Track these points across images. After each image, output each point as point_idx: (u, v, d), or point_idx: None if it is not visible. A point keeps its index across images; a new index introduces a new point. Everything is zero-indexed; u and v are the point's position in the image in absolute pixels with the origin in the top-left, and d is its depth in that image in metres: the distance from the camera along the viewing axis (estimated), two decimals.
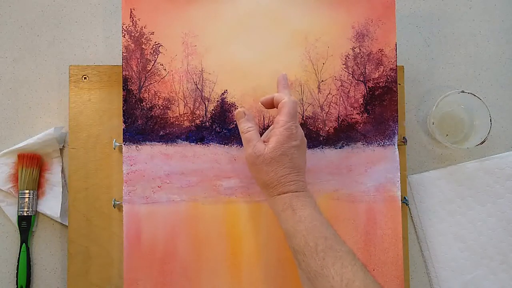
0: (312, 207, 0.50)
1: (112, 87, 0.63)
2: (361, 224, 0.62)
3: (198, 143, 0.60)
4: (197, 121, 0.61)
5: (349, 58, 0.62)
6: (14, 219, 0.63)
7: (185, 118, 0.60)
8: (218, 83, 0.61)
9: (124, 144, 0.60)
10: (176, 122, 0.60)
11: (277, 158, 0.51)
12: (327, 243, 0.47)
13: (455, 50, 0.71)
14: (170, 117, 0.60)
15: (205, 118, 0.61)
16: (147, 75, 0.60)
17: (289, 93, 0.55)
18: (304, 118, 0.62)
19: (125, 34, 0.60)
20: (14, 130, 0.66)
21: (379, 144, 0.62)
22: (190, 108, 0.61)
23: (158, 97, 0.60)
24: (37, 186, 0.64)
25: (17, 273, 0.62)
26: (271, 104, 0.55)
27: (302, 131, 0.54)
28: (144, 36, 0.60)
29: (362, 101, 0.62)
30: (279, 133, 0.51)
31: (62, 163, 0.65)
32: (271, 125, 0.61)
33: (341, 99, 0.62)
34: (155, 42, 0.60)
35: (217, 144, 0.61)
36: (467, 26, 0.71)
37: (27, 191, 0.62)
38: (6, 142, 0.65)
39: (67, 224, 0.62)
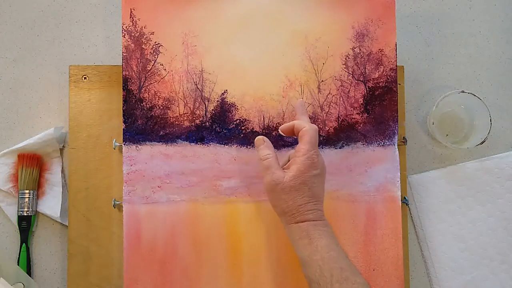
0: (329, 237, 0.50)
1: (112, 87, 0.63)
2: (361, 224, 0.62)
3: (198, 143, 0.60)
4: (197, 121, 0.61)
5: (349, 58, 0.62)
6: (14, 219, 0.63)
7: (185, 118, 0.60)
8: (218, 83, 0.61)
9: (124, 144, 0.60)
10: (176, 122, 0.60)
11: (297, 187, 0.51)
12: (343, 275, 0.47)
13: (455, 50, 0.71)
14: (170, 117, 0.60)
15: (205, 118, 0.61)
16: (147, 75, 0.60)
17: (308, 120, 0.55)
18: None
19: (125, 34, 0.60)
20: (14, 130, 0.66)
21: (379, 144, 0.62)
22: (190, 108, 0.61)
23: (158, 97, 0.60)
24: (37, 186, 0.64)
25: None
26: (291, 132, 0.55)
27: (323, 159, 0.53)
28: (144, 36, 0.60)
29: (362, 101, 0.62)
30: (300, 162, 0.51)
31: (62, 163, 0.65)
32: (271, 125, 0.61)
33: (341, 99, 0.62)
34: (155, 42, 0.60)
35: (217, 144, 0.61)
36: (467, 26, 0.71)
37: (27, 191, 0.62)
38: (6, 142, 0.65)
39: (67, 224, 0.62)
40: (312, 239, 0.49)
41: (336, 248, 0.49)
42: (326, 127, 0.62)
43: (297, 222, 0.51)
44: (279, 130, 0.57)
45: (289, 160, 0.56)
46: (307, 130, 0.52)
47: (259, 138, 0.55)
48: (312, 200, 0.51)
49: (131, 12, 0.60)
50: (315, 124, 0.61)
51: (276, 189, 0.51)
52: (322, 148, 0.62)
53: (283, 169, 0.53)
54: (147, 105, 0.60)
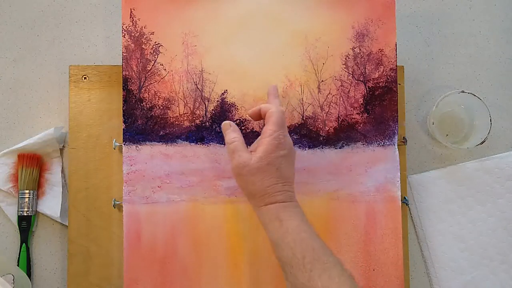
0: (299, 218, 0.49)
1: (112, 87, 0.63)
2: (361, 224, 0.62)
3: (198, 143, 0.60)
4: (197, 121, 0.61)
5: (349, 58, 0.62)
6: (14, 219, 0.63)
7: (185, 118, 0.60)
8: (218, 83, 0.61)
9: (124, 144, 0.60)
10: (176, 122, 0.60)
11: (264, 168, 0.50)
12: (315, 255, 0.46)
13: (455, 50, 0.71)
14: (170, 117, 0.60)
15: (205, 118, 0.61)
16: (147, 75, 0.60)
17: (278, 103, 0.54)
18: (304, 118, 0.62)
19: (125, 34, 0.60)
20: (14, 130, 0.66)
21: (379, 144, 0.62)
22: (190, 108, 0.61)
23: (158, 97, 0.60)
24: (37, 186, 0.64)
25: None
26: (259, 116, 0.54)
27: (291, 140, 0.53)
28: (144, 36, 0.60)
29: (362, 101, 0.62)
30: (267, 143, 0.50)
31: (62, 163, 0.65)
32: None
33: (341, 99, 0.62)
34: (155, 42, 0.60)
35: (217, 144, 0.61)
36: (467, 26, 0.71)
37: (27, 191, 0.62)
38: (6, 142, 0.65)
39: (67, 224, 0.62)
40: (282, 221, 0.49)
41: (307, 229, 0.49)
42: (326, 127, 0.62)
43: (266, 204, 0.50)
44: (248, 115, 0.56)
45: None
46: (273, 112, 0.51)
47: (226, 122, 0.54)
48: (280, 181, 0.50)
49: (131, 12, 0.60)
50: (315, 124, 0.62)
51: (243, 171, 0.50)
52: (322, 148, 0.62)
53: (252, 152, 0.52)
54: (147, 105, 0.60)
